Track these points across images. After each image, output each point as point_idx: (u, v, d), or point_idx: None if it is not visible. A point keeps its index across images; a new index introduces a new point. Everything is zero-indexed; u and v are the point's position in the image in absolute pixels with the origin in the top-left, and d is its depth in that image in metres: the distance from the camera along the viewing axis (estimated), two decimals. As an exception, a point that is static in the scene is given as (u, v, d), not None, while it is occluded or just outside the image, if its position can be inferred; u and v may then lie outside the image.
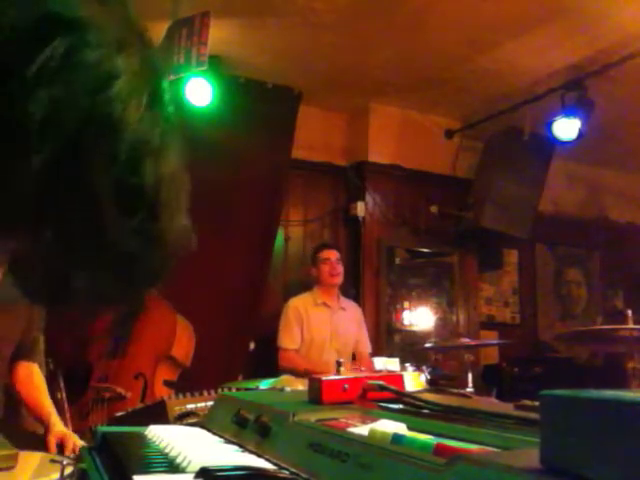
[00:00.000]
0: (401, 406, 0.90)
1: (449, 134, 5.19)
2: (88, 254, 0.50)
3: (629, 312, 3.14)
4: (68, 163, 0.45)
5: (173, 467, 0.77)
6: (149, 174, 0.49)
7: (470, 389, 3.37)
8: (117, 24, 0.50)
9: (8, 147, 0.43)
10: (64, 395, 2.94)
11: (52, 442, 2.02)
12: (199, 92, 3.84)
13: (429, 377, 3.20)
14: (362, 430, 0.71)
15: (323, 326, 4.16)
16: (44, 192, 0.45)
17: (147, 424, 1.06)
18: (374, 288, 4.95)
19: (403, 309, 5.16)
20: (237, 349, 4.35)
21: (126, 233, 0.49)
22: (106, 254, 0.50)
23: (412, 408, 0.87)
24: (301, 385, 1.92)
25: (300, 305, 4.19)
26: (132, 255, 0.51)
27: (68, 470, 1.09)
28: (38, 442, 2.02)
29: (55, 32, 0.44)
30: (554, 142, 4.66)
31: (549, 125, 4.47)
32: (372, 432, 0.69)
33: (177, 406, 1.39)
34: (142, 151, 0.49)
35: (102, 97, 0.45)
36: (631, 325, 3.13)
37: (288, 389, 1.66)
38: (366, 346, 4.33)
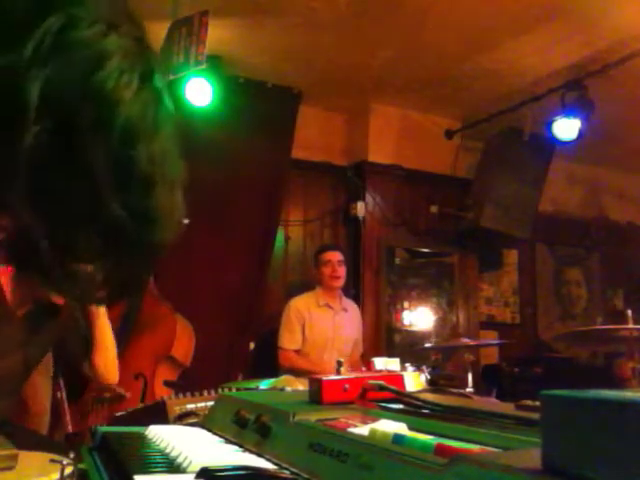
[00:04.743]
0: (401, 406, 0.90)
1: (449, 134, 5.19)
2: (84, 229, 0.50)
3: (629, 312, 3.14)
4: (64, 138, 0.46)
5: (173, 467, 0.77)
6: (142, 150, 0.50)
7: (470, 389, 3.37)
8: (107, 4, 0.50)
9: (8, 122, 0.44)
10: (64, 395, 2.93)
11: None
12: (199, 92, 3.84)
13: (429, 377, 3.20)
14: (362, 430, 0.71)
15: (325, 327, 4.15)
16: (40, 165, 0.45)
17: (147, 424, 1.06)
18: (374, 288, 4.95)
19: (403, 309, 5.16)
20: (237, 349, 4.36)
21: (120, 208, 0.49)
22: (102, 230, 0.50)
23: (412, 408, 0.87)
24: (301, 385, 1.92)
25: (302, 305, 4.16)
26: (126, 231, 0.51)
27: (68, 470, 1.09)
28: (38, 442, 2.01)
29: (49, 10, 0.44)
30: (554, 142, 4.66)
31: (549, 125, 4.47)
32: (372, 432, 0.68)
33: (177, 406, 1.39)
34: (135, 127, 0.49)
35: (96, 74, 0.46)
36: (631, 325, 3.13)
37: (288, 389, 1.66)
38: (361, 347, 4.34)
